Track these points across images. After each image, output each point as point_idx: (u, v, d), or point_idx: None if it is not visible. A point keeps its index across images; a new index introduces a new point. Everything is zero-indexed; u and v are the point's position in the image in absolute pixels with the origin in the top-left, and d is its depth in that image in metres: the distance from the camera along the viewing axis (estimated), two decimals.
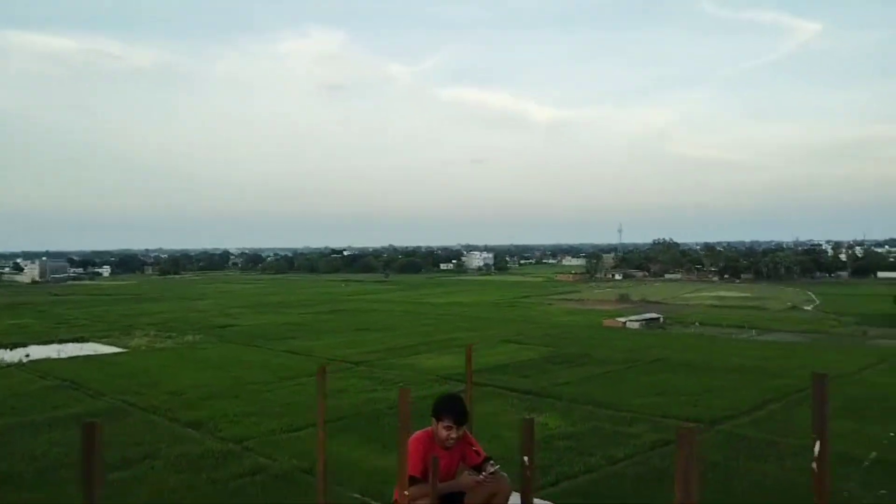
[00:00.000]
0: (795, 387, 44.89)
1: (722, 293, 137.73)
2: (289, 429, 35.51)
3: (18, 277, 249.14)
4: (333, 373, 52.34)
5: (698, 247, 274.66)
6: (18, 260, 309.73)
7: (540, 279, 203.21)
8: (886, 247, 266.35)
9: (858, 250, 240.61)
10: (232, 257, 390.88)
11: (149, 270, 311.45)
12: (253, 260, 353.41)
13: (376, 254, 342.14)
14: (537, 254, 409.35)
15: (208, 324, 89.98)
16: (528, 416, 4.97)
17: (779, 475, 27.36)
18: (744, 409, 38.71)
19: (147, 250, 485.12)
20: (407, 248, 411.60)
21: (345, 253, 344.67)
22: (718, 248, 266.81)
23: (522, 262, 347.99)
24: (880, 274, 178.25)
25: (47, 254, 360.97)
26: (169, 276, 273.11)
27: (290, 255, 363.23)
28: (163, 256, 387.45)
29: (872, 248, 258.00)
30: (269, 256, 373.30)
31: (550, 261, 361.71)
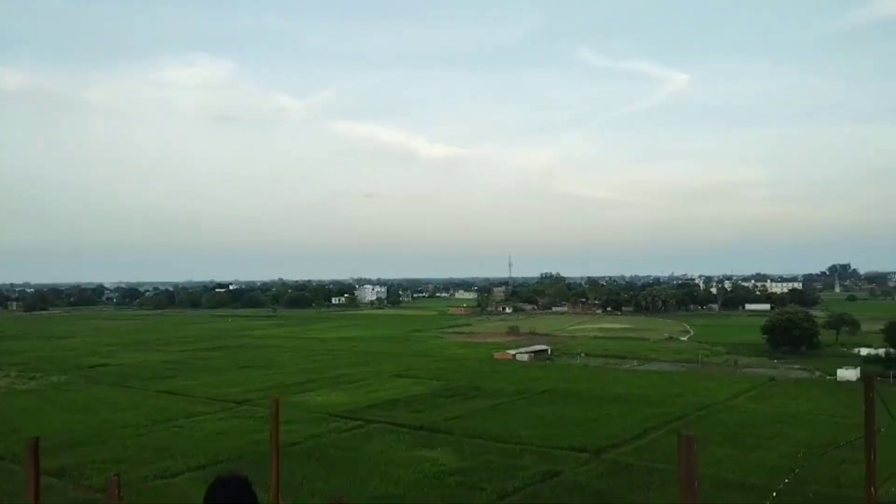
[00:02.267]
0: (675, 414, 46.91)
1: (605, 325, 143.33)
2: (162, 475, 33.16)
3: None
4: (214, 413, 49.73)
5: (583, 281, 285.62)
6: None
7: (433, 313, 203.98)
8: (753, 281, 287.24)
9: (728, 284, 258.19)
10: (107, 292, 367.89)
11: (13, 306, 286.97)
12: (130, 294, 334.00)
13: (264, 288, 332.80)
14: (430, 287, 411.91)
15: (77, 363, 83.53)
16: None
17: (661, 501, 28.16)
18: (627, 438, 39.89)
19: (12, 284, 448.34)
20: (297, 281, 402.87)
21: (231, 287, 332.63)
22: (601, 283, 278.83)
23: (415, 295, 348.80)
24: (748, 306, 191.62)
25: None
26: (35, 312, 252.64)
27: (170, 289, 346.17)
28: (29, 291, 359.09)
29: (740, 282, 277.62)
30: (147, 291, 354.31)
31: (443, 294, 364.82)
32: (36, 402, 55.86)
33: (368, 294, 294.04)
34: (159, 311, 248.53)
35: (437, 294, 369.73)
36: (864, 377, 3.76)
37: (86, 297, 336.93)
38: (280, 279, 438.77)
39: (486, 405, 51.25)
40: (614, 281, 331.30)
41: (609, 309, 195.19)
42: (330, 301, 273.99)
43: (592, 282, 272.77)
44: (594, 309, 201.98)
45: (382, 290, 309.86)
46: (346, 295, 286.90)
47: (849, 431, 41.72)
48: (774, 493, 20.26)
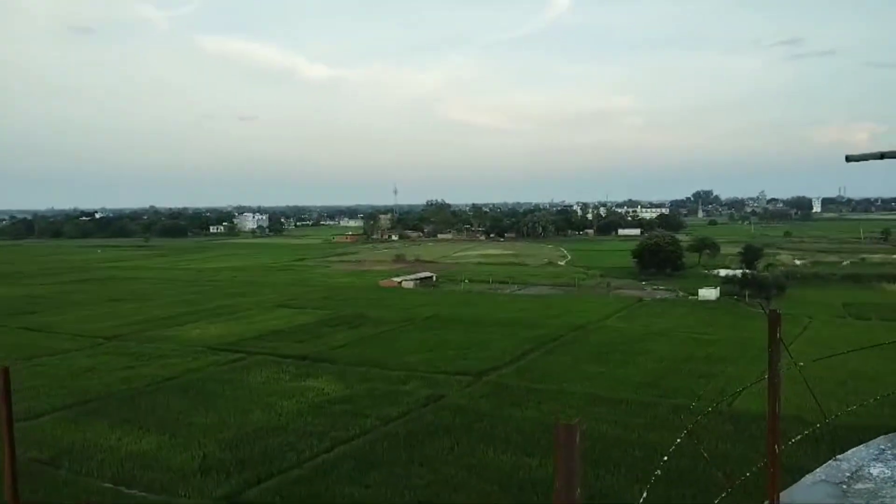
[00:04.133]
0: (551, 336, 49.04)
1: (489, 251, 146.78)
2: (25, 416, 30.93)
3: None
4: (81, 350, 46.91)
5: (468, 208, 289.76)
6: None
7: (318, 241, 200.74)
8: (626, 207, 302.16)
9: (603, 210, 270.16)
10: None
11: None
12: None
13: (135, 216, 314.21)
14: (315, 215, 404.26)
15: None
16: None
17: (538, 418, 29.50)
18: (507, 360, 41.35)
19: None
20: (171, 209, 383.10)
21: (97, 215, 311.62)
22: (485, 209, 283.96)
23: (299, 223, 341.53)
24: (621, 231, 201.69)
25: None
26: None
27: (29, 217, 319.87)
28: None
29: (614, 208, 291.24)
30: (3, 220, 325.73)
31: (329, 222, 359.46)
32: None
33: (249, 222, 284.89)
34: (17, 242, 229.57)
35: (322, 222, 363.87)
36: (771, 314, 3.51)
37: None
38: (152, 207, 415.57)
39: (371, 333, 51.41)
40: (498, 208, 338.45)
41: (492, 235, 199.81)
42: (208, 230, 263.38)
43: (477, 209, 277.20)
44: (478, 236, 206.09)
45: (264, 218, 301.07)
46: (225, 223, 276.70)
47: (709, 346, 45.40)
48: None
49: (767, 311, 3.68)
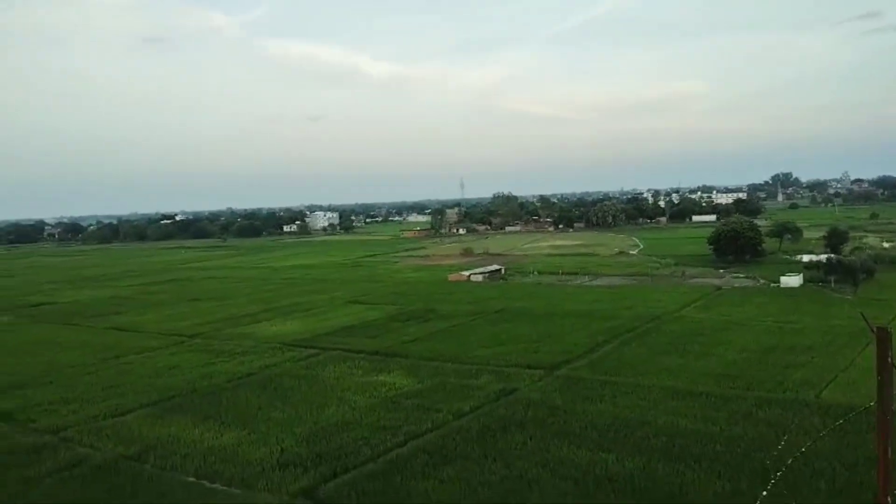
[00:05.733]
0: (625, 327, 47.88)
1: (558, 242, 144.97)
2: (113, 413, 32.43)
3: None
4: (165, 348, 48.78)
5: (535, 199, 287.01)
6: None
7: (386, 237, 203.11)
8: (699, 193, 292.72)
9: (675, 197, 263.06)
10: (48, 228, 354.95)
11: None
12: (72, 230, 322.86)
13: (212, 217, 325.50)
14: (383, 212, 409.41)
15: (19, 303, 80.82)
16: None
17: (613, 413, 28.81)
18: (579, 353, 40.59)
19: None
20: (247, 210, 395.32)
21: (177, 218, 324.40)
22: (553, 200, 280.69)
23: (368, 220, 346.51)
24: (695, 218, 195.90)
25: None
26: None
27: (114, 222, 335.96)
28: None
29: (687, 194, 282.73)
30: (91, 225, 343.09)
31: (396, 218, 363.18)
32: None
33: (320, 220, 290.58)
34: (104, 246, 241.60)
35: (391, 218, 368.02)
36: (879, 333, 3.01)
37: (25, 234, 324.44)
38: (229, 208, 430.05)
39: (441, 327, 51.47)
40: (566, 198, 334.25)
41: (561, 226, 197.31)
42: (281, 229, 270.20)
43: (544, 200, 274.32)
44: (546, 227, 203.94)
45: (334, 215, 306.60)
46: (297, 222, 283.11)
47: (793, 336, 43.33)
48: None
49: (874, 329, 3.16)
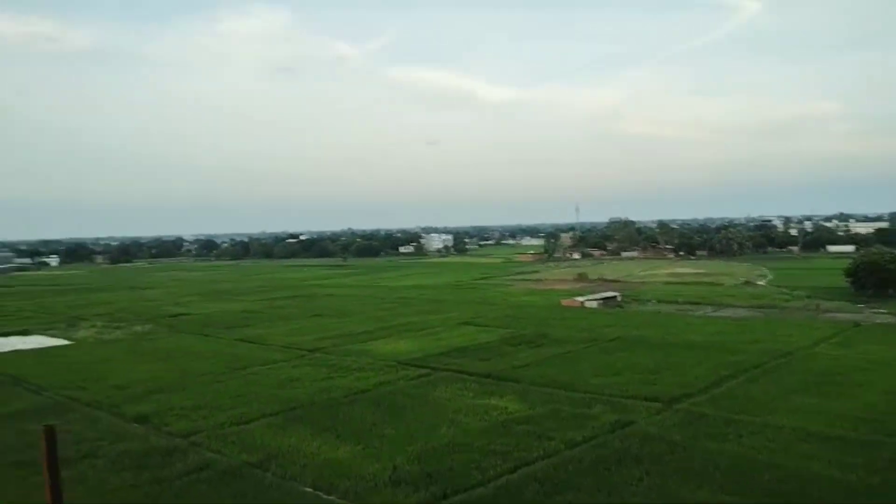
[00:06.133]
0: (752, 362, 45.22)
1: (677, 270, 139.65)
2: (239, 421, 34.19)
3: None
4: (287, 361, 51.03)
5: (653, 224, 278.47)
6: None
7: (499, 260, 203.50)
8: (835, 221, 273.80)
9: (808, 225, 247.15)
10: (186, 244, 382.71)
11: (99, 259, 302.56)
12: (207, 246, 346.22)
13: (334, 238, 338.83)
14: (497, 235, 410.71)
15: (159, 313, 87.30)
16: None
17: (738, 453, 27.19)
18: (701, 387, 38.70)
19: (97, 238, 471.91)
20: (365, 231, 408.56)
21: (301, 237, 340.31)
22: (673, 226, 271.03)
23: (482, 243, 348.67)
24: (830, 248, 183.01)
25: None
26: (119, 265, 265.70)
27: (245, 240, 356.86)
28: (113, 244, 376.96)
29: (821, 222, 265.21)
30: (224, 242, 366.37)
31: (510, 241, 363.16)
32: (120, 352, 58.63)
33: (435, 242, 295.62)
34: (235, 262, 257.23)
35: (504, 241, 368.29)
36: None
37: (166, 249, 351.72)
38: (349, 229, 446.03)
39: (553, 353, 50.73)
40: (687, 224, 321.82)
41: (682, 253, 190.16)
42: (397, 250, 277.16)
43: (663, 225, 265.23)
44: (666, 253, 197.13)
45: (449, 237, 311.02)
46: (413, 243, 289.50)
47: None
48: None
49: None
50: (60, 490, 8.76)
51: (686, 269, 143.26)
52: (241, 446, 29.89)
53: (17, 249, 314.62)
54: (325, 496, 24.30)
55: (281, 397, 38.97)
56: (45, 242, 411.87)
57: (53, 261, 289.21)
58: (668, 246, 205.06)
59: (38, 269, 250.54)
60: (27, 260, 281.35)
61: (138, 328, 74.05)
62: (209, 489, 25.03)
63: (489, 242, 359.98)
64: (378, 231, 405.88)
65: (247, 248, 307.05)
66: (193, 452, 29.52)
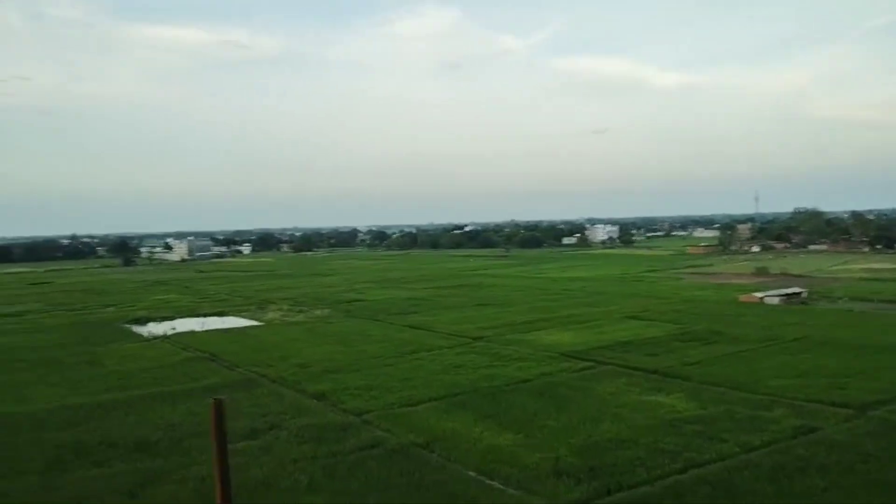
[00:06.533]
0: None
1: (874, 265, 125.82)
2: (406, 403, 35.74)
3: (168, 256, 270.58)
4: (451, 348, 52.47)
5: (846, 215, 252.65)
6: (169, 240, 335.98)
7: (668, 252, 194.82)
8: None
9: None
10: (360, 234, 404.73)
11: (284, 248, 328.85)
12: (379, 237, 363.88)
13: (497, 229, 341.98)
14: (665, 226, 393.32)
15: (336, 299, 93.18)
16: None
17: None
18: None
19: (284, 229, 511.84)
20: (529, 222, 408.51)
21: (466, 228, 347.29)
22: (869, 217, 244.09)
23: (649, 234, 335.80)
24: None
25: (194, 234, 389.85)
26: (302, 253, 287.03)
27: (413, 231, 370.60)
28: (297, 234, 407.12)
29: None
30: (394, 233, 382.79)
31: (680, 233, 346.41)
32: (302, 333, 63.40)
33: (600, 233, 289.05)
34: (404, 252, 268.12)
35: (673, 233, 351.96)
36: None
37: (343, 239, 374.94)
38: (512, 220, 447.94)
39: (728, 351, 47.83)
40: (885, 215, 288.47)
41: (879, 247, 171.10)
42: (561, 241, 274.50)
43: (857, 216, 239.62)
44: (860, 247, 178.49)
45: (614, 229, 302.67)
46: (576, 235, 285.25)
47: None
48: None
49: None
50: (227, 460, 9.48)
51: (884, 264, 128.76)
52: (409, 427, 31.24)
53: (215, 239, 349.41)
54: (487, 481, 24.78)
55: (445, 382, 40.19)
56: (239, 232, 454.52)
57: (246, 249, 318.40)
58: (863, 238, 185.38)
59: (233, 257, 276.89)
60: (223, 248, 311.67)
61: (318, 312, 79.57)
62: (378, 465, 26.43)
63: (657, 234, 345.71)
64: (541, 222, 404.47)
65: (415, 239, 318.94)
66: (365, 430, 31.31)
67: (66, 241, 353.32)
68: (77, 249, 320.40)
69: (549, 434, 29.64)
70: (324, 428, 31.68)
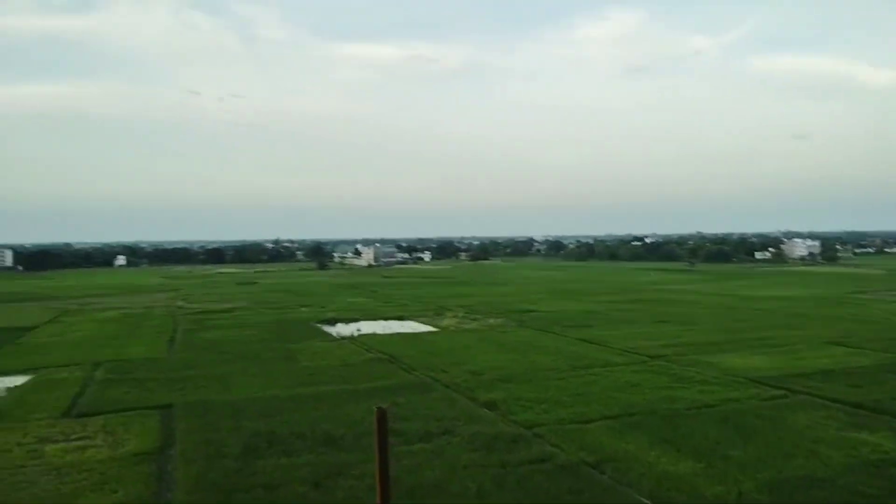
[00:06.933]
0: None
1: None
2: (578, 420, 35.10)
3: (357, 261, 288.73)
4: (626, 365, 50.75)
5: None
6: (358, 246, 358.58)
7: (881, 272, 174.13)
8: None
9: None
10: (536, 244, 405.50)
11: (462, 256, 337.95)
12: (555, 247, 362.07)
13: (681, 241, 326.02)
14: (877, 242, 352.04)
15: (510, 308, 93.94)
16: None
17: None
18: None
19: (462, 238, 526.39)
20: (716, 235, 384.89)
21: (647, 240, 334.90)
22: None
23: (857, 251, 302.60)
24: None
25: (381, 241, 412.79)
26: (479, 262, 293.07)
27: (590, 242, 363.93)
28: (474, 243, 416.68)
29: None
30: (570, 244, 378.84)
31: (895, 250, 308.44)
32: (476, 341, 64.60)
33: (798, 248, 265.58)
34: (580, 263, 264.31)
35: (887, 249, 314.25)
36: None
37: (519, 248, 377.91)
38: (698, 232, 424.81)
39: None
40: None
41: None
42: (753, 256, 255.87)
43: None
44: None
45: (815, 244, 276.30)
46: (771, 249, 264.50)
47: None
48: None
49: None
50: (388, 464, 9.88)
51: None
52: (580, 444, 30.65)
53: (398, 246, 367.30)
54: None
55: (620, 401, 38.94)
56: (421, 240, 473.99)
57: (426, 256, 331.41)
58: None
59: (415, 263, 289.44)
60: (406, 255, 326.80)
61: (491, 321, 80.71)
62: (547, 481, 26.18)
63: (867, 250, 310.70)
64: (730, 234, 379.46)
65: (591, 250, 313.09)
66: (535, 443, 31.18)
67: (270, 245, 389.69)
68: (279, 253, 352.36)
69: (733, 465, 27.66)
70: (494, 437, 31.96)
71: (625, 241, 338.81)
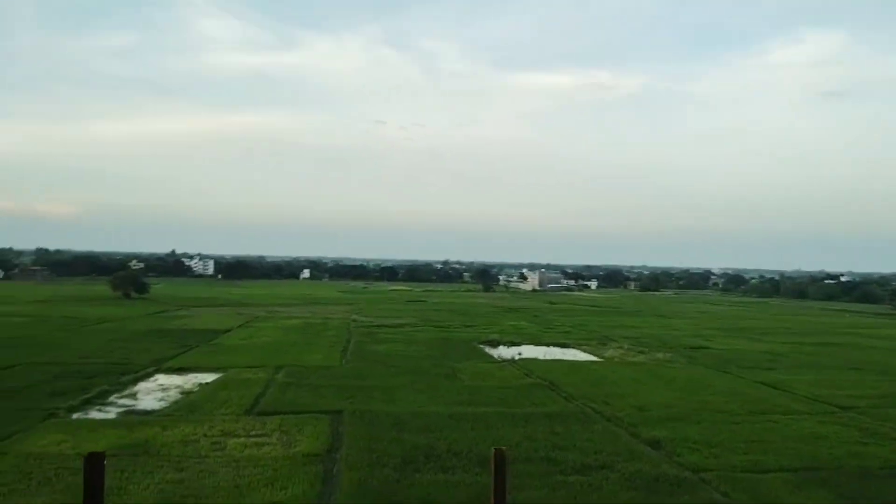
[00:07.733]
0: None
1: None
2: (752, 468, 32.42)
3: (522, 285, 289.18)
4: (812, 414, 46.16)
5: None
6: (523, 270, 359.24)
7: None
8: None
9: None
10: (713, 277, 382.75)
11: (631, 286, 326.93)
12: (734, 281, 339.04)
13: (882, 281, 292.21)
14: None
15: (680, 343, 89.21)
16: None
17: None
18: None
19: (631, 267, 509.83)
20: None
21: (842, 279, 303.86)
22: None
23: None
24: None
25: (547, 266, 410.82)
26: (648, 293, 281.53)
27: (776, 277, 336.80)
28: (645, 273, 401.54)
29: None
30: (752, 278, 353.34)
31: None
32: (641, 374, 61.92)
33: None
34: (763, 300, 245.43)
35: None
36: None
37: (693, 280, 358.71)
38: None
39: None
40: None
41: None
42: None
43: None
44: None
45: None
46: None
47: None
48: None
49: None
50: None
51: None
52: (753, 495, 28.32)
53: (564, 272, 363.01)
54: None
55: (801, 453, 35.49)
56: (588, 267, 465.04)
57: (592, 284, 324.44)
58: None
59: (581, 291, 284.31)
60: (571, 282, 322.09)
61: (659, 355, 77.07)
62: None
63: None
64: None
65: (776, 286, 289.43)
66: (701, 488, 29.23)
67: (439, 266, 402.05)
68: (447, 273, 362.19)
69: None
70: (656, 478, 30.38)
71: (816, 279, 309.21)
